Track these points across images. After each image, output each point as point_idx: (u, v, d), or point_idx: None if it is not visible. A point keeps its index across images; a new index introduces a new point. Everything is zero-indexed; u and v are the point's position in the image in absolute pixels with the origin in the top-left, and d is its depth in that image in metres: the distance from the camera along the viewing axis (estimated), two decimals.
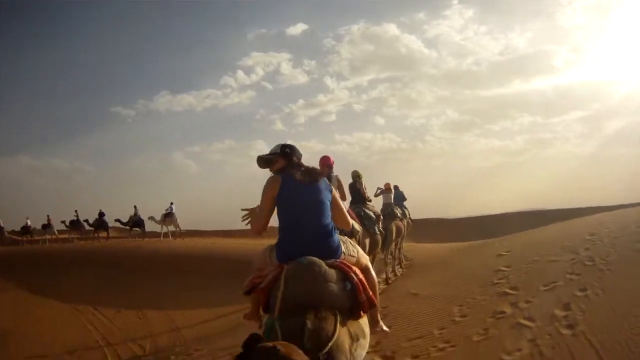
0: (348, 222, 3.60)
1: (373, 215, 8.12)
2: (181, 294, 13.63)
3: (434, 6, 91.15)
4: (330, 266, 3.00)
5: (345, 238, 3.47)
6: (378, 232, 8.08)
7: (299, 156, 3.50)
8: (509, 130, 78.27)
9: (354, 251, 3.39)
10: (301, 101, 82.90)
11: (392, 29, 76.22)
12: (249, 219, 3.64)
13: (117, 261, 17.34)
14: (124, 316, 12.58)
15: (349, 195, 8.14)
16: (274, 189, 3.29)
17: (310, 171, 3.37)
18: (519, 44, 77.14)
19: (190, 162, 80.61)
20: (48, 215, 25.22)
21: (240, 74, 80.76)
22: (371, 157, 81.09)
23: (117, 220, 24.08)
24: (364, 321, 3.07)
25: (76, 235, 24.85)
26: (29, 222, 25.09)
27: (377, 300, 3.20)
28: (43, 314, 13.27)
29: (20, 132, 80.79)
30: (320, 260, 2.99)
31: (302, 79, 78.99)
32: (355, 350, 2.82)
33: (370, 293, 3.07)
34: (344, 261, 3.18)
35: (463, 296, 7.74)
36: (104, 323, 12.23)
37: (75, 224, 24.34)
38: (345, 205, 4.27)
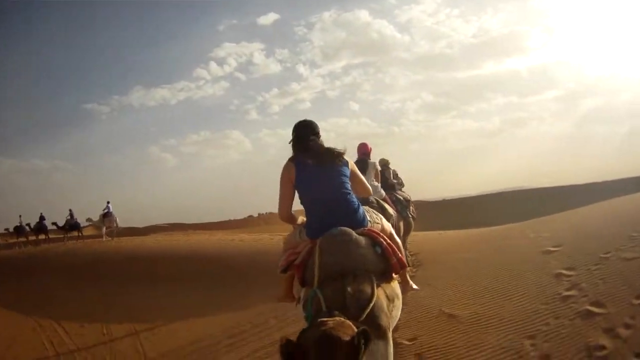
0: (368, 190, 3.75)
1: (404, 200, 8.43)
2: (149, 303, 12.54)
3: None
4: (359, 234, 3.17)
5: (368, 207, 3.65)
6: (410, 216, 8.42)
7: (308, 132, 3.55)
8: (484, 111, 79.93)
9: (377, 219, 3.55)
10: (275, 90, 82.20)
11: (363, 15, 75.97)
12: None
13: (82, 266, 16.34)
14: (87, 331, 11.61)
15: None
16: (290, 175, 3.40)
17: (320, 154, 3.44)
18: (491, 26, 77.89)
19: (166, 155, 79.14)
20: None
21: (213, 65, 79.55)
22: (347, 143, 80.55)
23: (54, 224, 23.46)
24: (395, 283, 3.25)
25: (22, 240, 24.56)
26: (22, 222, 24.52)
27: (405, 262, 3.32)
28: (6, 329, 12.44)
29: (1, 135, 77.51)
30: (350, 229, 3.15)
31: (275, 68, 78.37)
32: (392, 311, 3.02)
33: (400, 255, 3.24)
34: (371, 228, 3.34)
35: (529, 320, 5.09)
36: (64, 341, 11.25)
37: (19, 229, 24.12)
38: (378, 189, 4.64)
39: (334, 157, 3.47)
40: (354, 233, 3.16)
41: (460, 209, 34.37)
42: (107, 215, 21.54)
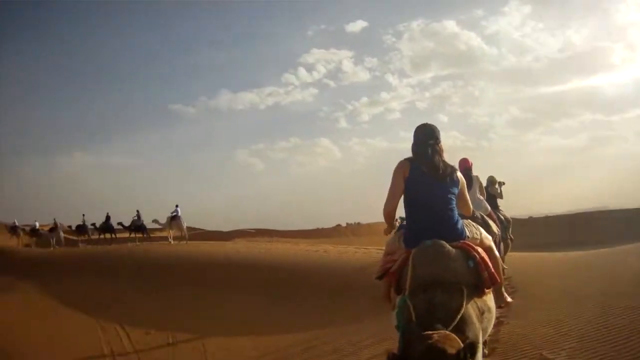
0: (469, 210, 3.72)
1: (505, 221, 8.20)
2: (221, 313, 11.25)
3: (491, 2, 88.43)
4: (453, 247, 3.18)
5: (468, 221, 3.60)
6: (509, 237, 8.19)
7: (426, 138, 3.48)
8: (571, 128, 75.06)
9: (477, 233, 3.53)
10: (364, 99, 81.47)
11: (451, 25, 74.51)
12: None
13: (152, 269, 15.41)
14: (151, 339, 10.25)
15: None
16: (405, 172, 3.40)
17: (436, 169, 3.39)
18: (576, 41, 73.75)
19: (254, 159, 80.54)
20: (54, 219, 25.56)
21: (301, 71, 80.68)
22: None
23: (120, 224, 23.38)
24: (489, 297, 3.22)
25: (82, 238, 24.88)
26: (85, 221, 24.66)
27: (501, 278, 3.38)
28: (67, 328, 11.67)
29: (77, 130, 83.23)
30: (444, 242, 3.16)
31: (364, 76, 77.94)
32: (482, 323, 3.06)
33: (493, 270, 3.22)
34: (467, 242, 3.33)
35: None
36: (124, 346, 9.97)
37: (81, 229, 24.31)
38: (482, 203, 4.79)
39: (448, 172, 3.43)
40: (447, 245, 3.16)
41: (548, 227, 32.87)
42: (174, 219, 20.77)
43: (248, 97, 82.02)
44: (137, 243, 21.62)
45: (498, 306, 3.43)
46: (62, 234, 24.87)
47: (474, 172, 7.46)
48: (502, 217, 8.19)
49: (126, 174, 75.97)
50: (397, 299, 3.26)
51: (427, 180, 3.37)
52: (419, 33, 74.90)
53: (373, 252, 14.34)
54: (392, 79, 77.95)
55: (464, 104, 79.24)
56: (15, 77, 79.37)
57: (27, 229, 27.00)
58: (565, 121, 75.46)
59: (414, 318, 2.86)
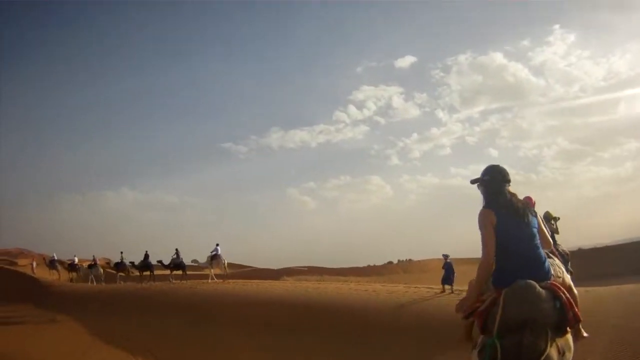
0: (549, 243, 3.78)
1: (565, 254, 8.30)
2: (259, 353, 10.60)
3: (536, 32, 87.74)
4: (543, 287, 3.26)
5: (552, 260, 3.67)
6: (570, 271, 7.87)
7: (504, 181, 3.66)
8: (618, 157, 72.40)
9: (560, 272, 3.61)
10: (415, 135, 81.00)
11: (498, 57, 74.18)
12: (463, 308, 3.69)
13: (206, 309, 14.72)
14: None
15: None
16: (492, 221, 3.48)
17: (517, 209, 3.53)
18: (620, 68, 71.89)
19: (306, 198, 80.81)
20: (94, 256, 25.84)
21: (352, 108, 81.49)
22: None
23: (159, 262, 23.35)
24: (569, 336, 3.26)
25: (120, 275, 24.82)
26: (123, 258, 24.90)
27: (581, 316, 3.34)
28: None
29: (125, 166, 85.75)
30: (535, 283, 3.24)
31: (414, 112, 78.03)
32: None
33: (576, 309, 3.29)
34: (554, 282, 3.41)
35: None
36: None
37: (119, 265, 24.50)
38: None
39: (528, 209, 3.57)
40: (537, 286, 3.23)
41: (597, 258, 31.56)
42: (214, 258, 20.85)
43: (299, 135, 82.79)
44: (175, 281, 21.48)
45: (575, 341, 3.42)
46: (101, 270, 25.04)
47: None
48: (561, 252, 8.35)
49: (175, 212, 77.21)
50: (481, 339, 3.33)
51: (512, 222, 3.49)
52: (467, 67, 74.77)
53: (423, 290, 13.74)
54: (441, 115, 77.58)
55: (512, 138, 77.95)
56: (70, 113, 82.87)
57: (66, 264, 27.36)
58: (612, 150, 73.07)
59: (499, 358, 3.00)
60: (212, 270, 21.08)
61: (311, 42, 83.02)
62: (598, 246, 40.09)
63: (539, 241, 3.52)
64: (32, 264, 29.71)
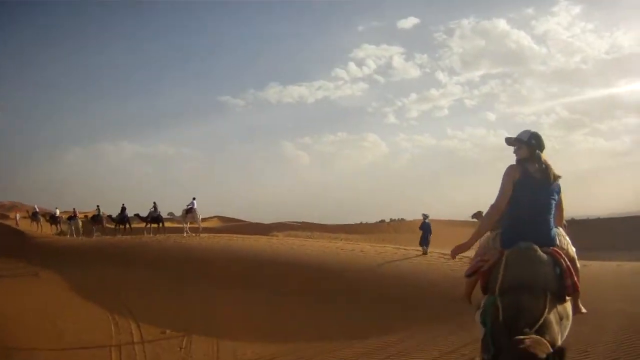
0: (562, 219, 3.92)
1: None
2: (241, 313, 10.32)
3: (541, 2, 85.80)
4: (544, 252, 3.36)
5: (559, 231, 3.76)
6: None
7: (542, 149, 3.69)
8: (615, 130, 72.38)
9: (564, 243, 3.68)
10: (414, 95, 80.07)
11: (501, 24, 72.95)
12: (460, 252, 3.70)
13: (169, 263, 14.82)
14: (164, 341, 9.25)
15: None
16: (514, 176, 3.58)
17: (547, 172, 3.60)
18: (623, 43, 70.82)
19: (301, 152, 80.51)
20: (74, 208, 25.99)
21: (351, 66, 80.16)
22: (483, 154, 77.94)
23: (136, 215, 23.68)
24: (568, 305, 3.37)
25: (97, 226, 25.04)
26: (100, 212, 25.10)
27: (579, 287, 3.41)
28: (80, 318, 11.05)
29: (124, 119, 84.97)
30: (536, 246, 3.35)
31: (414, 72, 76.85)
32: (559, 330, 3.14)
33: (575, 279, 3.37)
34: (556, 249, 3.49)
35: None
36: (133, 348, 8.97)
37: (96, 218, 24.75)
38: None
39: (554, 179, 3.62)
40: (539, 250, 3.34)
41: (589, 230, 30.92)
42: (189, 212, 20.80)
43: (297, 91, 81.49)
44: (152, 235, 21.49)
45: (573, 314, 3.51)
46: (79, 223, 25.09)
47: None
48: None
49: (172, 163, 77.05)
50: (484, 299, 3.43)
51: (535, 185, 3.57)
52: (469, 31, 73.46)
53: (412, 253, 13.26)
54: (441, 76, 76.64)
55: (511, 103, 77.57)
56: (68, 69, 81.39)
57: (47, 216, 27.41)
58: (610, 123, 72.87)
59: (501, 318, 3.05)
60: (186, 224, 20.99)
61: (314, 1, 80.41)
62: (590, 217, 40.38)
63: (552, 212, 3.61)
64: (15, 217, 29.83)
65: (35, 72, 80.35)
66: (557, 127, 72.60)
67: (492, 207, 3.63)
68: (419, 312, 9.13)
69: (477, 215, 13.29)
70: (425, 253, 13.61)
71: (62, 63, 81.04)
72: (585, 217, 39.64)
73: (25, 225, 27.68)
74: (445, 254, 13.37)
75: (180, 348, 8.67)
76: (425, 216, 14.74)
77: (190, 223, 21.22)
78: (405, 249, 14.40)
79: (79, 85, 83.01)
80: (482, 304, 3.41)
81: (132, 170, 74.27)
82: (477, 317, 3.37)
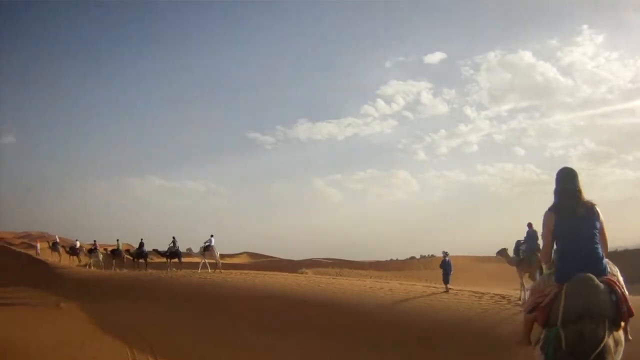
0: (607, 247, 3.91)
1: None
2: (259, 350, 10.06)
3: (565, 32, 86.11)
4: (601, 281, 3.49)
5: (608, 260, 3.86)
6: None
7: (564, 182, 3.95)
8: None
9: (615, 271, 3.83)
10: (442, 131, 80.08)
11: (527, 56, 72.78)
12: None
13: (198, 298, 14.44)
14: None
15: None
16: (550, 224, 3.86)
17: (579, 207, 3.81)
18: None
19: (332, 190, 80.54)
20: (94, 240, 26.30)
21: (380, 102, 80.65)
22: (513, 189, 77.05)
23: (155, 250, 23.78)
24: (622, 331, 3.47)
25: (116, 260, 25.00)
26: (119, 246, 25.40)
27: (634, 312, 3.52)
28: (99, 352, 10.77)
29: (151, 153, 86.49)
30: (593, 276, 3.49)
31: (443, 108, 76.78)
32: (615, 355, 3.30)
33: (630, 304, 3.49)
34: (610, 277, 3.63)
35: None
36: None
37: (115, 252, 24.81)
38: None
39: (589, 210, 3.80)
40: (596, 279, 3.47)
41: (620, 261, 30.08)
42: (207, 249, 20.97)
43: (326, 128, 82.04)
44: (172, 269, 21.48)
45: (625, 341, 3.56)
46: (100, 256, 25.22)
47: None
48: None
49: (200, 199, 77.55)
50: (543, 333, 3.55)
51: (572, 224, 3.75)
52: (496, 64, 73.37)
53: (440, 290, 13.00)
54: (469, 111, 76.28)
55: (539, 137, 76.44)
56: (100, 100, 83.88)
57: (67, 247, 27.50)
58: (637, 153, 71.61)
59: (563, 346, 3.24)
60: (204, 260, 20.97)
61: (340, 35, 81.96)
62: (619, 249, 39.35)
63: (598, 241, 3.73)
64: (36, 247, 30.03)
65: (64, 104, 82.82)
66: (584, 159, 71.43)
67: (541, 255, 4.06)
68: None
69: (502, 252, 12.97)
70: (446, 290, 13.29)
71: (93, 94, 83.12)
72: (615, 249, 38.78)
73: (45, 256, 27.86)
74: (476, 292, 12.92)
75: None
76: (445, 254, 14.52)
77: (208, 259, 21.14)
78: (435, 287, 13.87)
79: (108, 119, 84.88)
80: (541, 338, 3.53)
81: (159, 205, 74.97)
82: (537, 351, 3.52)
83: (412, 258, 41.60)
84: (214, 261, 21.35)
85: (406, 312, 11.27)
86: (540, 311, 3.62)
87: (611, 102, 69.67)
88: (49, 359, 10.22)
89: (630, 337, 3.74)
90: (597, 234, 3.74)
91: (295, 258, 37.86)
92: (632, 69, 72.37)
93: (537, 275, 11.22)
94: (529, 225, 12.05)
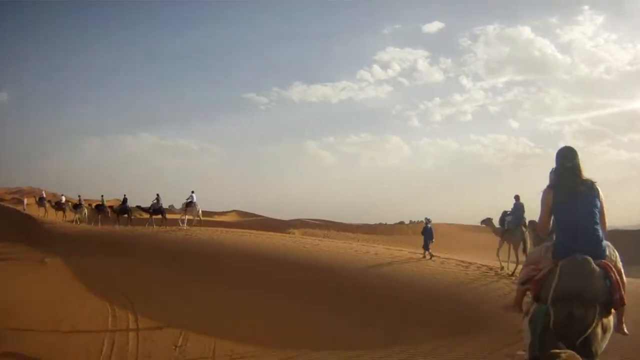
0: (605, 226, 3.81)
1: None
2: (243, 313, 9.89)
3: (566, 11, 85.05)
4: (597, 264, 3.40)
5: (608, 243, 3.75)
6: None
7: (563, 160, 3.83)
8: (636, 142, 70.93)
9: (614, 256, 3.69)
10: (437, 99, 79.64)
11: (526, 31, 71.99)
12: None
13: (181, 255, 14.44)
14: (160, 337, 8.80)
15: None
16: (548, 202, 3.77)
17: (578, 185, 3.71)
18: None
19: (324, 152, 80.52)
20: (79, 195, 26.30)
21: (376, 68, 79.81)
22: (505, 160, 77.18)
23: (138, 206, 23.97)
24: (612, 318, 3.41)
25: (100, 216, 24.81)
26: (104, 201, 25.18)
27: (626, 301, 3.43)
28: (80, 307, 10.88)
29: (145, 111, 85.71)
30: (590, 258, 3.40)
31: (439, 77, 76.17)
32: (602, 341, 3.28)
33: (623, 292, 3.39)
34: (607, 262, 3.50)
35: None
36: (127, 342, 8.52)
37: (99, 208, 24.71)
38: None
39: (589, 187, 3.72)
40: (592, 262, 3.39)
41: (612, 242, 30.65)
42: (189, 205, 20.89)
43: (321, 90, 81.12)
44: (156, 226, 21.41)
45: (615, 330, 3.51)
46: (85, 211, 25.27)
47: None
48: None
49: (193, 158, 77.33)
50: (533, 307, 3.55)
51: (570, 202, 3.67)
52: (494, 37, 72.35)
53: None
54: (465, 81, 75.64)
55: (534, 111, 76.26)
56: (95, 57, 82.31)
57: (53, 202, 27.33)
58: (632, 135, 71.53)
59: (551, 326, 3.22)
60: (185, 216, 20.93)
61: (339, 3, 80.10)
62: (610, 229, 39.75)
63: (598, 220, 3.65)
64: (23, 202, 29.89)
65: (58, 61, 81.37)
66: (579, 138, 71.32)
67: (538, 225, 3.92)
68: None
69: (487, 221, 12.93)
70: (424, 257, 13.34)
71: (85, 55, 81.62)
72: (613, 228, 38.92)
73: (31, 211, 27.78)
74: (463, 261, 12.90)
75: (176, 346, 8.23)
76: (427, 220, 14.39)
77: (188, 215, 21.14)
78: (420, 253, 13.80)
79: (102, 78, 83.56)
80: (531, 311, 3.52)
81: (151, 162, 74.70)
82: (526, 323, 3.50)
83: (401, 223, 41.49)
84: (195, 218, 21.36)
85: (390, 278, 11.13)
86: (533, 284, 3.61)
87: (608, 82, 69.15)
88: (30, 316, 10.20)
89: (626, 332, 3.69)
90: (597, 213, 3.66)
91: (286, 218, 37.79)
92: (630, 51, 71.79)
93: (521, 249, 11.27)
94: (516, 197, 12.11)
